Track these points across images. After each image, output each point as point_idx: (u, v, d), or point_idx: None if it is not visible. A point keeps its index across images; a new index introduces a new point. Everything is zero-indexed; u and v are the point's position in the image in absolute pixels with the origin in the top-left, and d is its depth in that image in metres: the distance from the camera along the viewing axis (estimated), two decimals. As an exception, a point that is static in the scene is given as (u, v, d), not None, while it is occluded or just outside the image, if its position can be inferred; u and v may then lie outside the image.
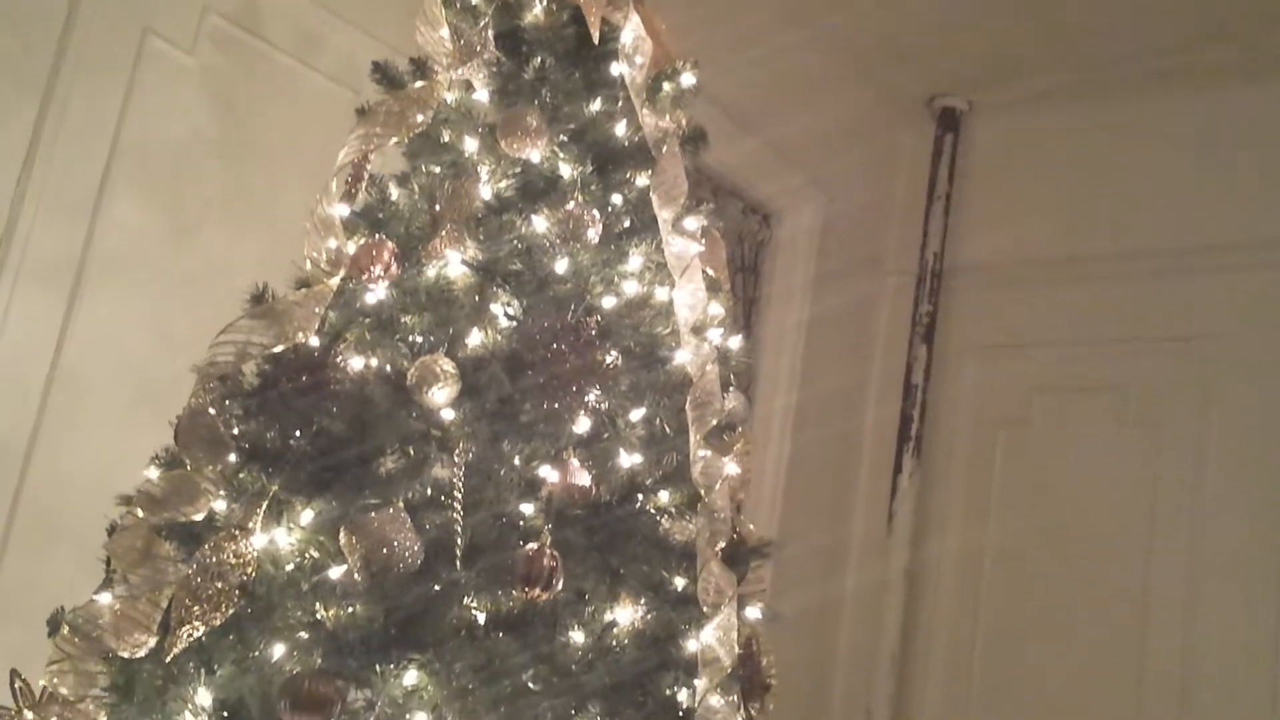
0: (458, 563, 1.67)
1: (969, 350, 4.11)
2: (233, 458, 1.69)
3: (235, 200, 2.53)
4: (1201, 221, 3.71)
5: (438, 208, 1.92)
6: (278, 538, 1.66)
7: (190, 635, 1.56)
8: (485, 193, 1.93)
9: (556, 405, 1.78)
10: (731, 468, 1.94)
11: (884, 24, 3.71)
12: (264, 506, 1.65)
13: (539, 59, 2.00)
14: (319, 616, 1.62)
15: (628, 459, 1.84)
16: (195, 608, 1.55)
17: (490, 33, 1.98)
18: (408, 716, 1.59)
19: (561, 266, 1.88)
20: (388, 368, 1.79)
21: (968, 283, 4.15)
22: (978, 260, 4.15)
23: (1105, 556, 3.65)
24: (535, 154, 1.93)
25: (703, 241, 2.03)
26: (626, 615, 1.76)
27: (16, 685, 1.64)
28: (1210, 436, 3.59)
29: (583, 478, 1.77)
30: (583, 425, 1.80)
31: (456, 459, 1.72)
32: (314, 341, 1.78)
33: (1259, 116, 3.66)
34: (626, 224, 1.99)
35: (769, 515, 3.61)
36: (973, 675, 3.80)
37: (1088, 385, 3.88)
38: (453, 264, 1.85)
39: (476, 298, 1.84)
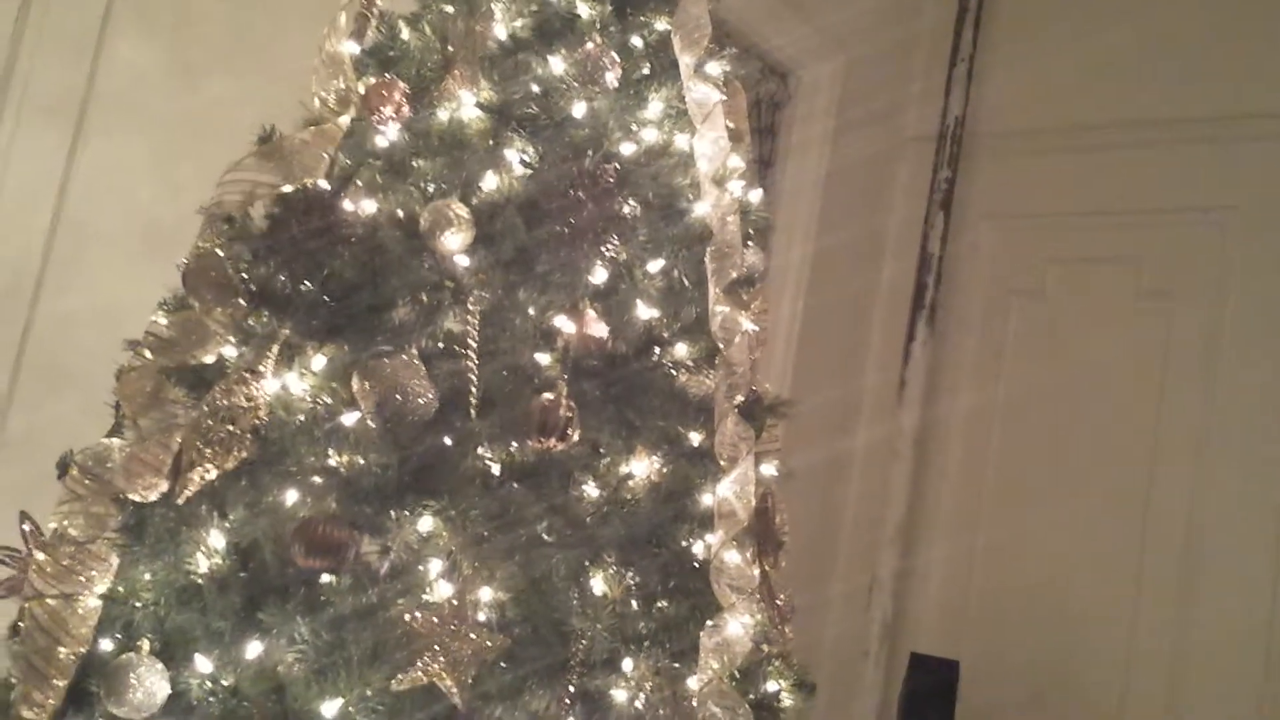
0: (472, 412, 1.64)
1: (987, 218, 4.05)
2: (242, 301, 1.65)
3: (239, 40, 2.44)
4: (1227, 90, 3.62)
5: (450, 47, 1.84)
6: (289, 383, 1.63)
7: (202, 478, 1.54)
8: (499, 32, 1.86)
9: (573, 255, 1.74)
10: (749, 323, 1.90)
11: None
12: (275, 351, 1.61)
13: (556, -111, 1.90)
14: (332, 462, 1.60)
15: (645, 311, 1.80)
16: (207, 450, 1.53)
17: None
18: (422, 563, 1.58)
19: (579, 110, 1.81)
20: (399, 212, 1.73)
21: (987, 148, 4.07)
22: (999, 126, 4.06)
23: (1114, 426, 3.65)
24: (552, -9, 1.85)
25: (724, 90, 1.96)
26: (642, 468, 1.74)
27: (26, 527, 1.63)
28: (1226, 308, 3.55)
29: (599, 329, 1.74)
30: (600, 276, 1.76)
31: (471, 307, 1.68)
32: (323, 184, 1.73)
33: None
34: (646, 69, 1.92)
35: (781, 372, 3.58)
36: (977, 536, 3.83)
37: (1103, 256, 3.83)
38: (466, 106, 1.78)
39: (491, 142, 1.78)
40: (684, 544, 1.75)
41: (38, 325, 2.17)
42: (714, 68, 1.93)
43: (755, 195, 2.02)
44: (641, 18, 1.92)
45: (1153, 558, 3.51)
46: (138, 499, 1.58)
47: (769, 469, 1.92)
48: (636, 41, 1.91)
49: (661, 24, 1.93)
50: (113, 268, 2.24)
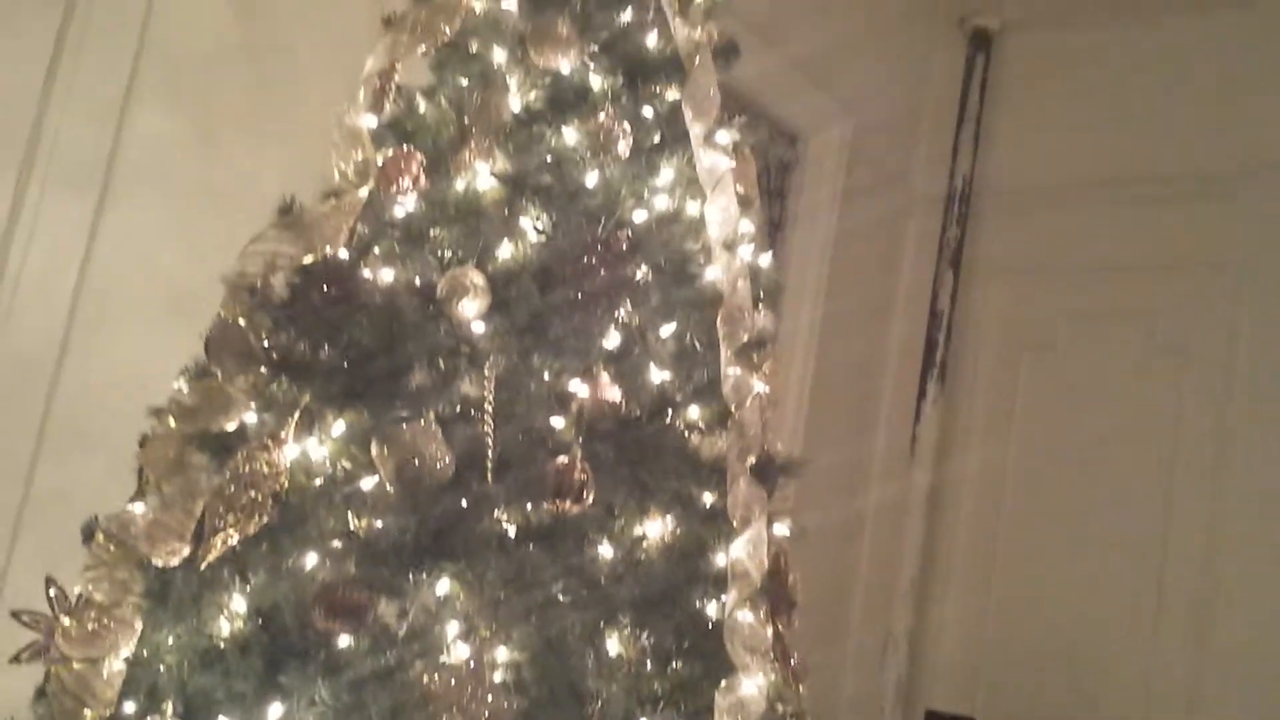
0: (488, 475, 1.67)
1: (996, 274, 4.09)
2: (263, 369, 1.69)
3: (261, 109, 2.50)
4: (1233, 146, 3.66)
5: (466, 119, 1.90)
6: (310, 448, 1.66)
7: (224, 543, 1.57)
8: (514, 104, 1.90)
9: (587, 320, 1.77)
10: (760, 385, 1.93)
11: (917, -61, 3.64)
12: (295, 417, 1.65)
13: (569, -33, 1.96)
14: (351, 526, 1.63)
15: (658, 374, 1.83)
16: (229, 516, 1.56)
17: (520, -59, 1.95)
18: (439, 625, 1.60)
19: (592, 180, 1.86)
20: (417, 280, 1.77)
21: (996, 206, 4.11)
22: (1007, 184, 4.11)
23: (1128, 482, 3.66)
24: (565, 65, 1.90)
25: (734, 157, 2.00)
26: (656, 529, 1.77)
27: (52, 592, 1.66)
28: (1238, 364, 3.57)
29: (613, 392, 1.77)
30: (613, 340, 1.80)
31: (487, 372, 1.72)
32: (343, 254, 1.77)
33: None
34: (657, 138, 1.96)
35: (792, 433, 3.61)
36: (991, 594, 3.82)
37: (1116, 311, 3.86)
38: (482, 176, 1.83)
39: (506, 211, 1.82)
40: (698, 605, 1.77)
41: (62, 390, 2.21)
42: (723, 136, 1.98)
43: (765, 259, 2.06)
44: (653, 89, 1.97)
45: (1168, 613, 3.51)
46: (161, 564, 1.61)
47: (781, 528, 1.94)
48: (648, 112, 1.96)
49: (672, 94, 1.98)
50: (136, 334, 2.29)
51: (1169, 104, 3.80)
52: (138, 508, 1.65)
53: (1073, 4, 3.93)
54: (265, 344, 1.70)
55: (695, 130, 1.94)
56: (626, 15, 1.97)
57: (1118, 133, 3.88)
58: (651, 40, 1.99)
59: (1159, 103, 3.82)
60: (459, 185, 1.84)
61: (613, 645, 1.68)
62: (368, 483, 1.66)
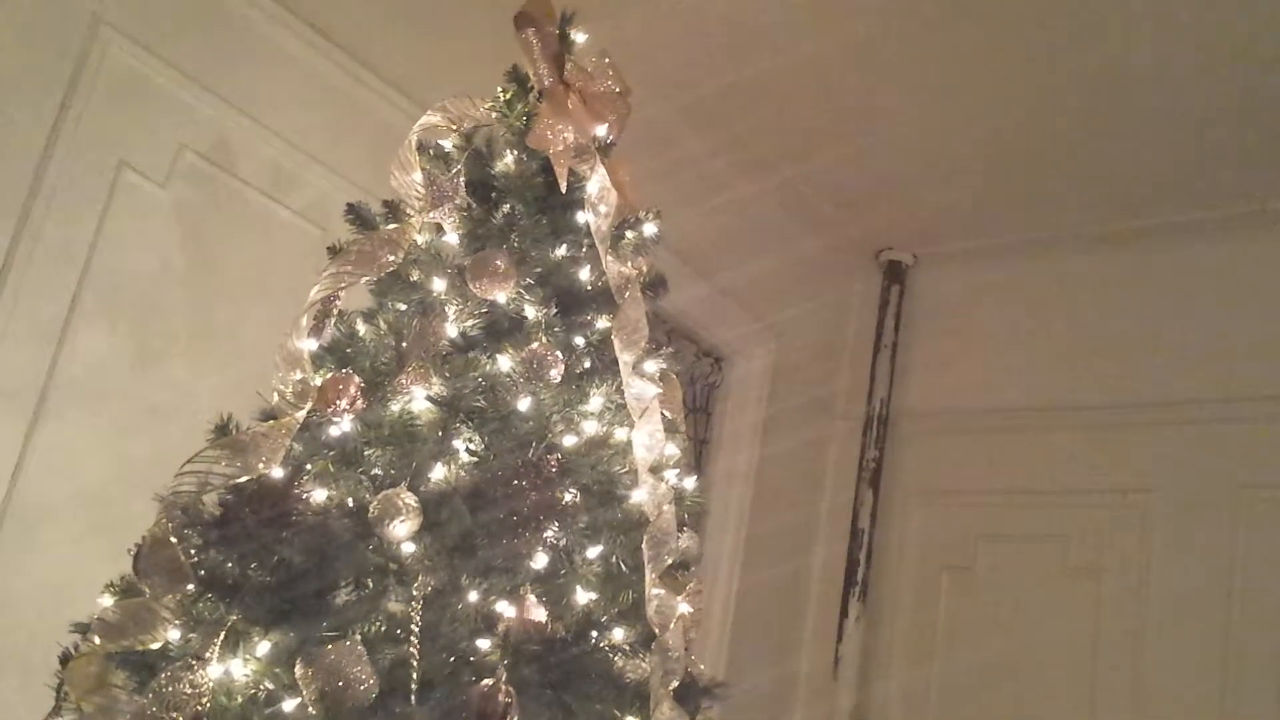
0: (413, 698, 1.67)
1: (914, 495, 4.19)
2: (191, 587, 1.69)
3: (201, 332, 2.56)
4: (1138, 378, 3.83)
5: (404, 344, 1.97)
6: (233, 668, 1.65)
7: (141, 766, 1.54)
8: (451, 331, 1.98)
9: (515, 541, 1.81)
10: (684, 607, 1.97)
11: (836, 179, 3.87)
12: (221, 636, 1.65)
13: (508, 205, 2.07)
14: (271, 750, 1.61)
15: (584, 595, 1.86)
16: (148, 738, 1.54)
17: (462, 179, 2.07)
18: None
19: (524, 405, 1.93)
20: (350, 500, 1.81)
21: (913, 429, 4.25)
22: (923, 407, 4.25)
23: (1049, 699, 3.68)
24: (502, 295, 1.99)
25: (661, 385, 2.09)
26: (579, 755, 1.76)
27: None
28: (1149, 582, 3.66)
29: (539, 613, 1.79)
30: (540, 561, 1.83)
31: (415, 592, 1.74)
32: (277, 473, 1.80)
33: (1193, 274, 3.82)
34: (588, 365, 2.05)
35: (716, 654, 3.61)
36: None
37: (1031, 533, 3.95)
38: (417, 399, 1.88)
39: (440, 433, 1.87)
40: (619, 835, 1.75)
41: (-19, 605, 2.18)
42: (651, 364, 2.07)
43: (690, 482, 2.13)
44: (584, 318, 2.06)
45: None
46: (73, 788, 1.58)
47: (705, 754, 1.95)
48: (579, 340, 2.05)
49: (603, 322, 2.07)
50: (63, 547, 2.27)
51: (1076, 335, 3.99)
52: (53, 729, 1.62)
53: (981, 243, 4.16)
54: (194, 562, 1.71)
55: (624, 359, 2.02)
56: (561, 250, 2.08)
57: (1028, 361, 4.05)
58: (584, 274, 2.09)
59: (1066, 334, 4.01)
60: (395, 407, 1.89)
61: None
62: (290, 704, 1.65)
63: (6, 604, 2.19)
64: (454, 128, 2.13)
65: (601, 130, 2.20)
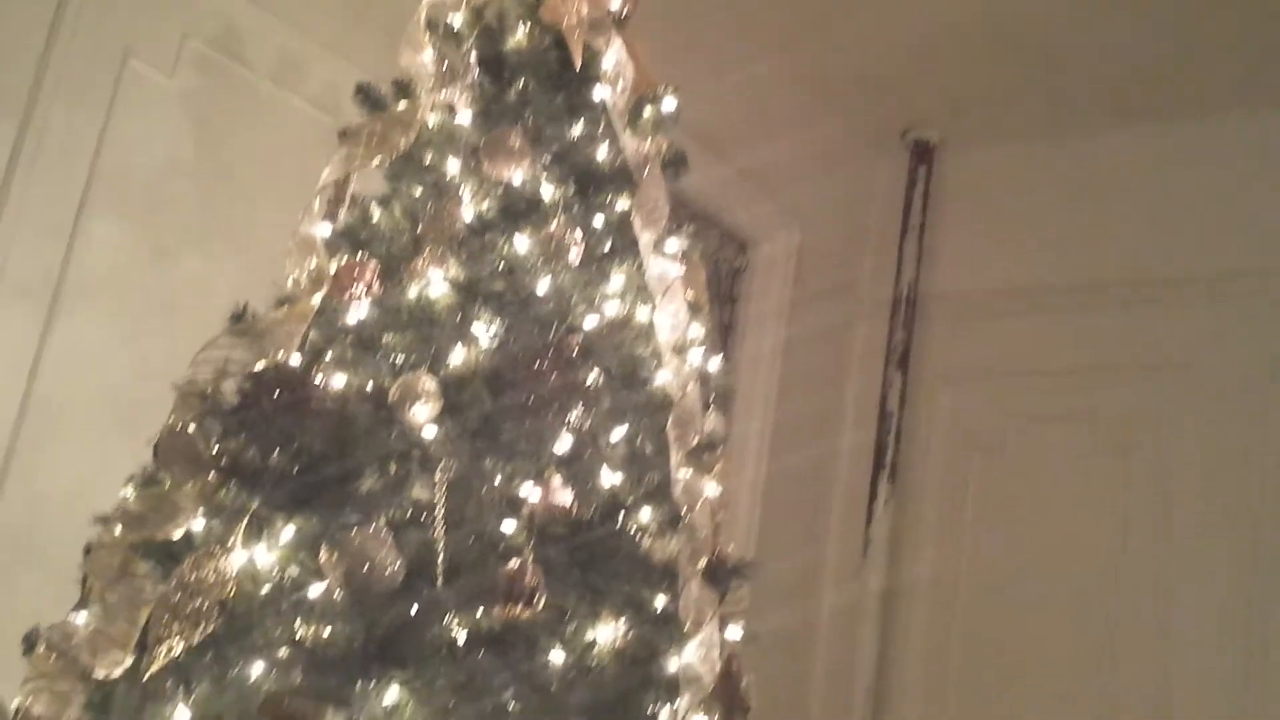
0: (438, 581, 1.67)
1: (943, 378, 4.14)
2: (212, 475, 1.68)
3: (213, 224, 2.52)
4: (1170, 252, 3.76)
5: (420, 228, 1.93)
6: (257, 555, 1.65)
7: (168, 653, 1.54)
8: (467, 214, 1.94)
9: (538, 424, 1.79)
10: (711, 488, 1.95)
11: (859, 57, 3.75)
12: (243, 524, 1.64)
13: (522, 82, 2.01)
14: (298, 634, 1.61)
15: (609, 477, 1.85)
16: (174, 625, 1.54)
17: (473, 57, 2.00)
18: (388, 735, 1.58)
19: (543, 287, 1.89)
20: (369, 386, 1.78)
21: (942, 312, 4.19)
22: (951, 289, 4.19)
23: (1077, 580, 3.68)
24: (518, 176, 1.94)
25: (683, 264, 2.05)
26: (607, 634, 1.76)
27: (-11, 706, 1.62)
28: (1179, 463, 3.63)
29: (564, 496, 1.77)
30: (564, 444, 1.81)
31: (438, 477, 1.72)
32: (295, 359, 1.78)
33: (1224, 149, 3.72)
34: (608, 245, 2.01)
35: (745, 536, 3.61)
36: (948, 699, 3.80)
37: (1060, 413, 3.92)
38: (435, 283, 1.85)
39: (458, 317, 1.84)
40: (650, 710, 1.76)
41: (6, 502, 2.18)
42: (673, 243, 2.02)
43: (715, 363, 2.10)
44: (603, 198, 2.01)
45: (1125, 711, 3.50)
46: (103, 675, 1.58)
47: (734, 632, 1.94)
48: (598, 220, 2.00)
49: (623, 202, 2.02)
50: (82, 445, 2.27)
51: (1106, 212, 3.91)
52: (80, 618, 1.62)
53: (1010, 119, 4.05)
54: (214, 450, 1.70)
55: (645, 238, 1.98)
56: (578, 128, 2.03)
57: (1057, 240, 3.98)
58: (602, 152, 2.04)
59: (1096, 211, 3.93)
60: (412, 292, 1.86)
61: (565, 753, 1.66)
62: (315, 590, 1.65)
63: (29, 502, 2.20)
64: (464, 2, 2.05)
65: (616, 2, 2.12)
